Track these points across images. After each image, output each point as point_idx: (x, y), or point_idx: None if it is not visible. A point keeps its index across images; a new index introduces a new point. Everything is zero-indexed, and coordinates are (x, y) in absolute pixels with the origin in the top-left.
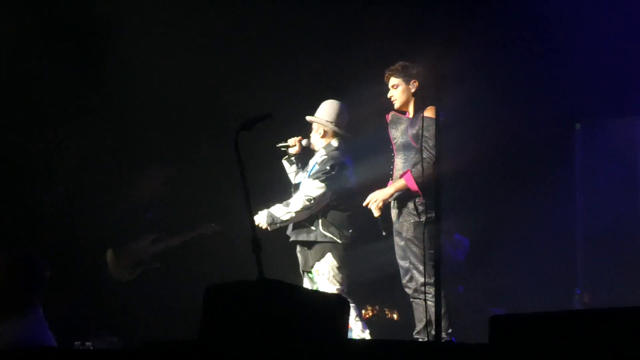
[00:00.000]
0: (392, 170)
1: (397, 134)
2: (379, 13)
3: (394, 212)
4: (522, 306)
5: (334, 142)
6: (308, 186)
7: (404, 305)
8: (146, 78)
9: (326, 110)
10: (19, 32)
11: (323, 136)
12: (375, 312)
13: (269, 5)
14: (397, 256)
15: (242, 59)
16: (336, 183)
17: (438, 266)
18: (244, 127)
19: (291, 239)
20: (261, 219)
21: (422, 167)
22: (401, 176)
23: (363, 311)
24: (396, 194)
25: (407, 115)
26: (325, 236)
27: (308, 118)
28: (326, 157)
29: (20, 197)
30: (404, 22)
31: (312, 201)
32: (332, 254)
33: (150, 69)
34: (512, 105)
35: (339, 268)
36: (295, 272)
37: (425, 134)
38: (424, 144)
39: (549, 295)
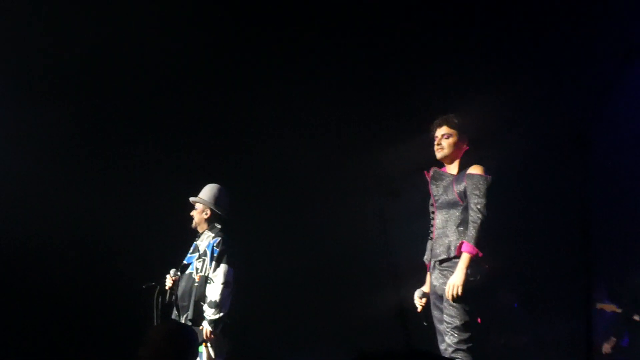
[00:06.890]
0: (431, 228)
1: (439, 191)
2: None
3: (435, 274)
4: None
5: (218, 224)
6: (219, 273)
7: None
8: None
9: (210, 193)
10: None
11: (208, 217)
12: None
13: None
14: (435, 320)
15: None
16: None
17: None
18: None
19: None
20: (209, 329)
21: (475, 230)
22: (459, 251)
23: None
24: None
25: (444, 169)
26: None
27: (192, 199)
28: (220, 239)
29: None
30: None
31: (230, 285)
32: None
33: None
34: None
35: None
36: None
37: (476, 192)
38: (470, 203)
39: None
